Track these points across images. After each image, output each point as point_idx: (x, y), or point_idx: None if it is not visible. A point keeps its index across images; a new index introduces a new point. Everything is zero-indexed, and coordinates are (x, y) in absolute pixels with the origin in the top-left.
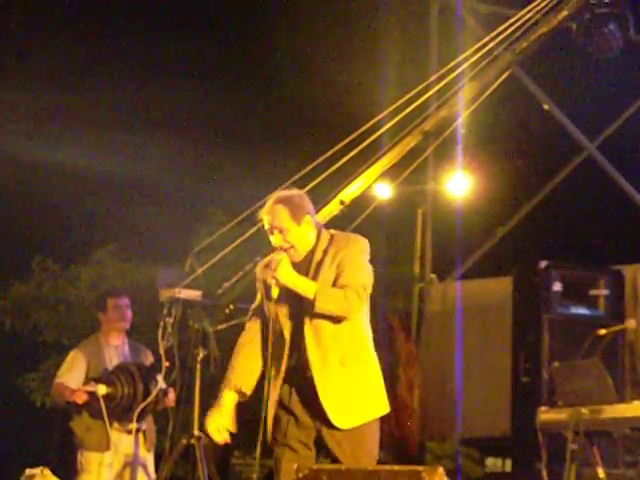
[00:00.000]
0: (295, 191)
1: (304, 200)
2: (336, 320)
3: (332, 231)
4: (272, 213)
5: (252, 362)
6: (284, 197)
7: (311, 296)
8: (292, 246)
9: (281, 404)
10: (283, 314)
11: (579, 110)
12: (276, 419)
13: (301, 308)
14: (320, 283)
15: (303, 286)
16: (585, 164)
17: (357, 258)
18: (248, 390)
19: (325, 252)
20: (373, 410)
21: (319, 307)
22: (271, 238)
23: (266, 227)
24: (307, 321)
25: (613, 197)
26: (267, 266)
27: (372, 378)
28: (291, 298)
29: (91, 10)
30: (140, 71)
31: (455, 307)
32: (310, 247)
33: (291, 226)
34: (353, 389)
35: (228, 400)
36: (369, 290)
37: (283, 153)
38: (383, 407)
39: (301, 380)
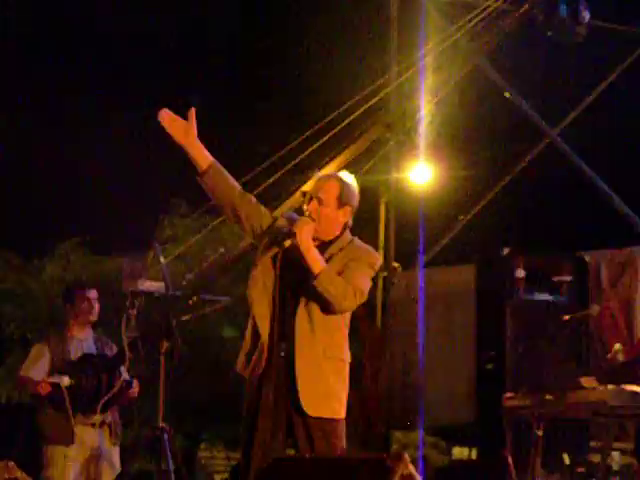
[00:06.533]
0: (354, 182)
1: (356, 194)
2: (327, 310)
3: (354, 238)
4: (323, 183)
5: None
6: (344, 178)
7: (316, 271)
8: (317, 223)
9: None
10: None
11: (540, 97)
12: (254, 395)
13: (299, 287)
14: (329, 266)
15: (314, 257)
16: (547, 151)
17: (365, 268)
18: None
19: (340, 250)
20: (340, 410)
21: (320, 283)
22: (304, 207)
23: (306, 192)
24: (302, 301)
25: (575, 184)
26: (292, 220)
27: (344, 380)
28: (294, 275)
29: None
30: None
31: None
32: (330, 238)
33: (332, 204)
34: (329, 382)
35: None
36: (363, 298)
37: (246, 144)
38: (344, 411)
39: (280, 359)
